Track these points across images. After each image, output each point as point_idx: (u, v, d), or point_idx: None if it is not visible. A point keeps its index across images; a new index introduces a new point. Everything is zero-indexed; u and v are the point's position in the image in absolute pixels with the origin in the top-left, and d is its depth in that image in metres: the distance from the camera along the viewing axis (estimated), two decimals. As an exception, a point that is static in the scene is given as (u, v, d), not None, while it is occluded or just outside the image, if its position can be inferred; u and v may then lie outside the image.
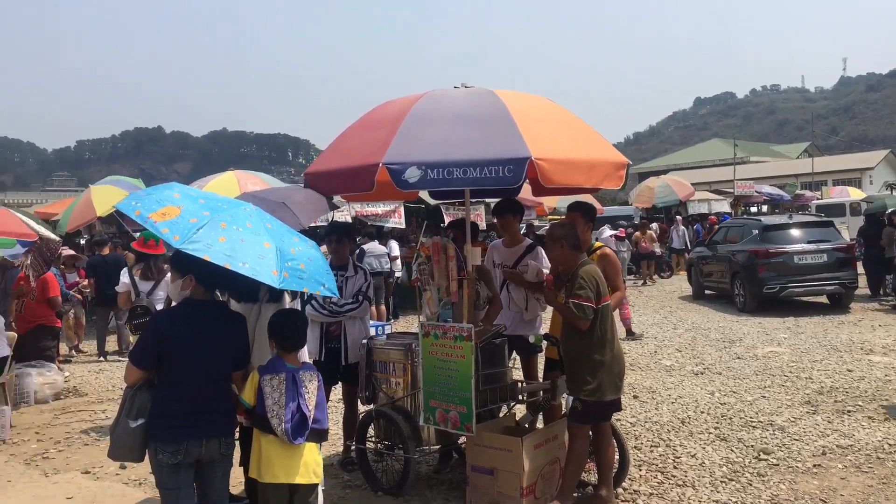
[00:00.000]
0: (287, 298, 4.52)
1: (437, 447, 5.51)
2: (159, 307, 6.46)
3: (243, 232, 3.51)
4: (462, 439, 5.35)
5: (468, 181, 4.29)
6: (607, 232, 15.05)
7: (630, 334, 11.30)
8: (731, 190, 30.18)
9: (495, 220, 6.35)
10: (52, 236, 8.46)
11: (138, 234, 13.29)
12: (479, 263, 5.40)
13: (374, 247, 13.49)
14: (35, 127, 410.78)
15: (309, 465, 3.74)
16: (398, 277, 14.91)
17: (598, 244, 5.56)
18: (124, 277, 7.30)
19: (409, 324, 13.83)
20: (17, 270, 9.08)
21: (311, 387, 3.76)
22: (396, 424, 5.14)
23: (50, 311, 8.93)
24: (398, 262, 14.85)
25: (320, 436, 3.85)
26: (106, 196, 13.64)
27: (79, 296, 11.53)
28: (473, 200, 5.30)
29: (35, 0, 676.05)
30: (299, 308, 4.93)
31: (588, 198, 9.81)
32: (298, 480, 3.71)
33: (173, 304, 4.28)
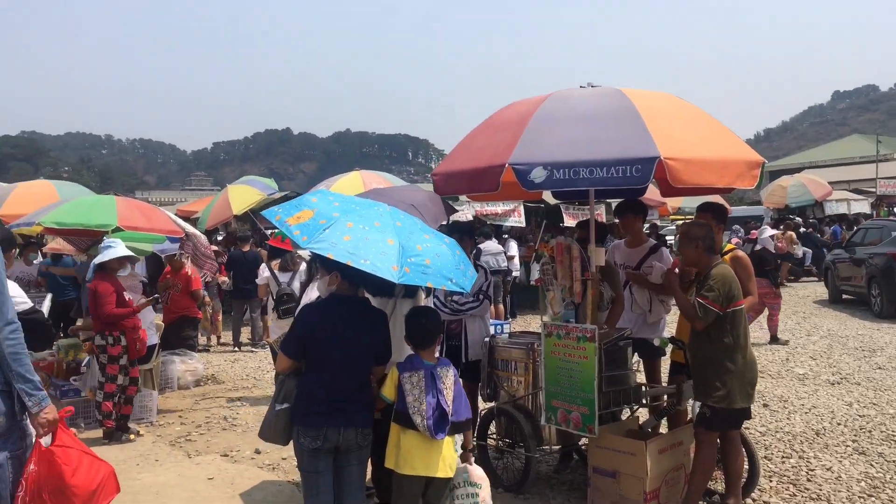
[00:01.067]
0: (422, 294, 4.62)
1: (558, 447, 5.51)
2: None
3: (369, 230, 3.65)
4: (583, 441, 5.33)
5: (594, 181, 4.27)
6: (768, 231, 14.16)
7: (774, 340, 10.86)
8: (873, 189, 28.23)
9: (616, 221, 6.27)
10: (198, 233, 9.05)
11: (270, 231, 14.01)
12: (604, 264, 5.35)
13: (490, 245, 13.55)
14: (176, 130, 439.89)
15: (446, 458, 3.86)
16: (516, 277, 14.93)
17: (729, 246, 5.39)
18: (264, 272, 8.31)
19: (526, 323, 13.82)
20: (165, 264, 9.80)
21: (448, 382, 3.87)
22: (517, 423, 5.18)
23: (192, 303, 9.55)
24: (516, 261, 14.86)
25: (460, 427, 3.96)
26: (242, 195, 14.37)
27: (223, 281, 12.29)
28: (595, 200, 5.29)
29: (172, 18, 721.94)
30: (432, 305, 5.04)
31: (715, 197, 9.48)
32: (438, 474, 3.84)
33: (312, 296, 4.50)
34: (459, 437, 4.06)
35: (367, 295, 4.13)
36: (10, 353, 3.17)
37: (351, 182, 13.60)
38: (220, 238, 17.63)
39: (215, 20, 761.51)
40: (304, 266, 8.25)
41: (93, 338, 6.83)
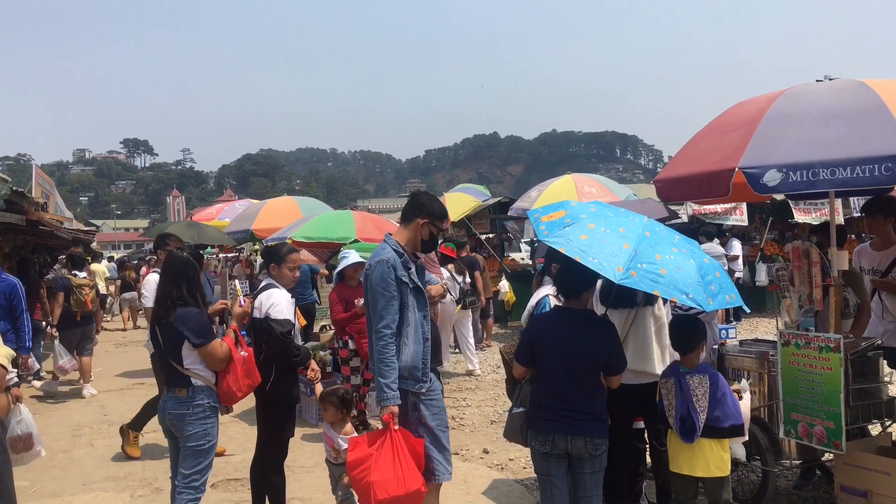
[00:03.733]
0: (660, 302, 4.61)
1: (799, 462, 5.22)
2: None
3: (610, 234, 3.75)
4: (827, 456, 5.00)
5: (836, 182, 4.01)
6: None
7: None
8: None
9: (857, 216, 5.79)
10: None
11: (484, 236, 14.44)
12: (847, 268, 4.99)
13: (711, 247, 12.92)
14: (391, 140, 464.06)
15: (710, 459, 4.02)
16: (739, 278, 14.16)
17: None
18: (444, 273, 10.05)
19: (752, 326, 13.09)
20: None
21: (699, 390, 3.99)
22: (753, 435, 4.97)
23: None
24: (739, 261, 14.10)
25: (721, 433, 4.04)
26: (458, 202, 15.04)
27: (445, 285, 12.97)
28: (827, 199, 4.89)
29: (388, 35, 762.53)
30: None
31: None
32: (698, 474, 4.03)
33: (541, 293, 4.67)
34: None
35: (601, 307, 4.21)
36: (373, 356, 3.93)
37: (563, 186, 13.71)
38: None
39: (424, 34, 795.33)
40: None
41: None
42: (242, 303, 4.53)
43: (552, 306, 4.39)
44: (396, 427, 3.83)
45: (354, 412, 7.40)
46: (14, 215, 8.38)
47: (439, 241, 4.59)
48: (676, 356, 4.33)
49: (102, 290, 18.20)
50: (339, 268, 7.32)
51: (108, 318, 19.57)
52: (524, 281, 14.72)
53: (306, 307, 11.16)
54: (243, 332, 4.44)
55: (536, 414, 3.91)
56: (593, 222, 3.78)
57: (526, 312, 4.71)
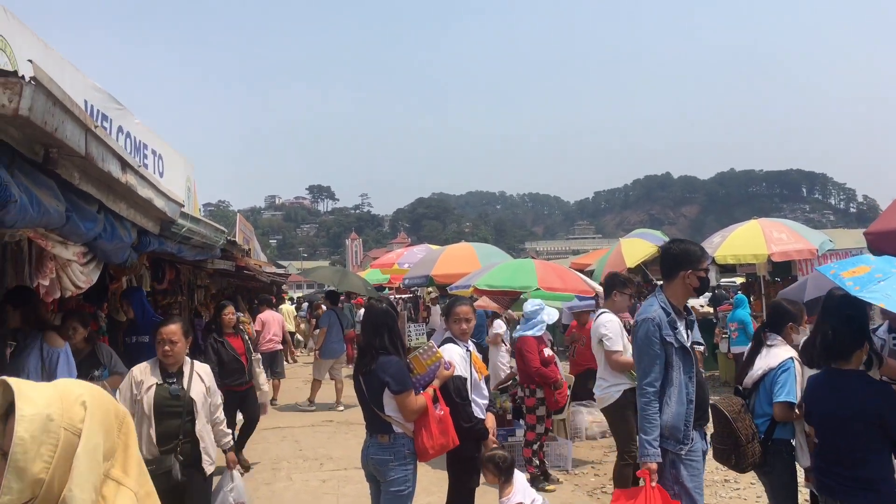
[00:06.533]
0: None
1: None
2: None
3: None
4: None
5: None
6: None
7: None
8: None
9: None
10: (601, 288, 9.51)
11: (659, 283, 13.96)
12: None
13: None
14: (559, 182, 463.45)
15: None
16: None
17: None
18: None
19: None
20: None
21: None
22: None
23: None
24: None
25: None
26: (634, 248, 14.73)
27: None
28: None
29: (542, 74, 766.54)
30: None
31: None
32: None
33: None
34: None
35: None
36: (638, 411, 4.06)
37: (749, 232, 13.09)
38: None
39: (590, 74, 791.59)
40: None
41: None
42: (447, 366, 4.62)
43: (799, 363, 4.21)
44: (654, 484, 3.84)
45: (536, 462, 7.40)
46: (227, 262, 9.27)
47: (710, 284, 4.62)
48: None
49: (292, 328, 19.68)
50: (547, 322, 7.38)
51: (299, 353, 21.13)
52: (704, 329, 14.07)
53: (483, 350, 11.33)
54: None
55: (814, 472, 3.87)
56: None
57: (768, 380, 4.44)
